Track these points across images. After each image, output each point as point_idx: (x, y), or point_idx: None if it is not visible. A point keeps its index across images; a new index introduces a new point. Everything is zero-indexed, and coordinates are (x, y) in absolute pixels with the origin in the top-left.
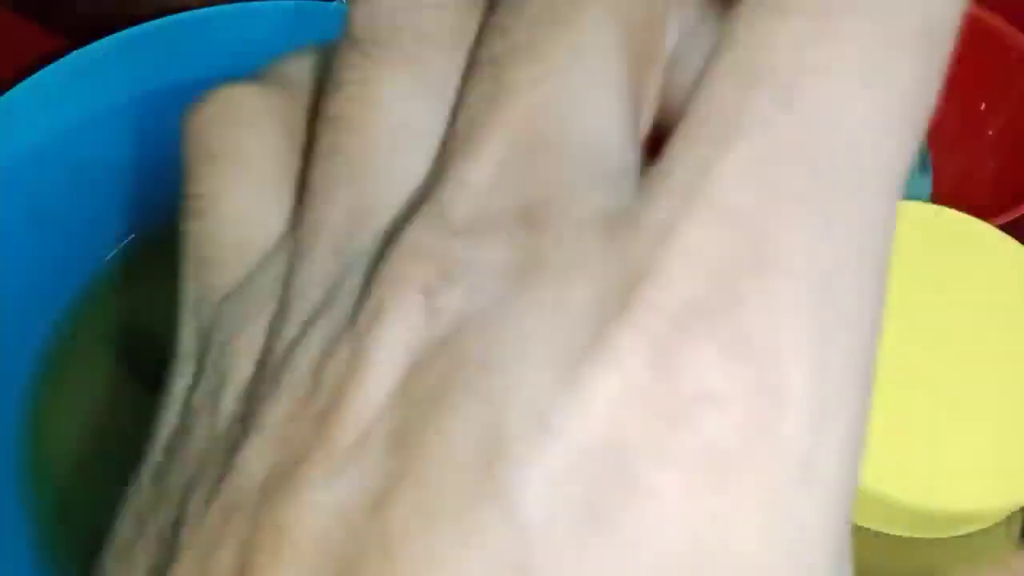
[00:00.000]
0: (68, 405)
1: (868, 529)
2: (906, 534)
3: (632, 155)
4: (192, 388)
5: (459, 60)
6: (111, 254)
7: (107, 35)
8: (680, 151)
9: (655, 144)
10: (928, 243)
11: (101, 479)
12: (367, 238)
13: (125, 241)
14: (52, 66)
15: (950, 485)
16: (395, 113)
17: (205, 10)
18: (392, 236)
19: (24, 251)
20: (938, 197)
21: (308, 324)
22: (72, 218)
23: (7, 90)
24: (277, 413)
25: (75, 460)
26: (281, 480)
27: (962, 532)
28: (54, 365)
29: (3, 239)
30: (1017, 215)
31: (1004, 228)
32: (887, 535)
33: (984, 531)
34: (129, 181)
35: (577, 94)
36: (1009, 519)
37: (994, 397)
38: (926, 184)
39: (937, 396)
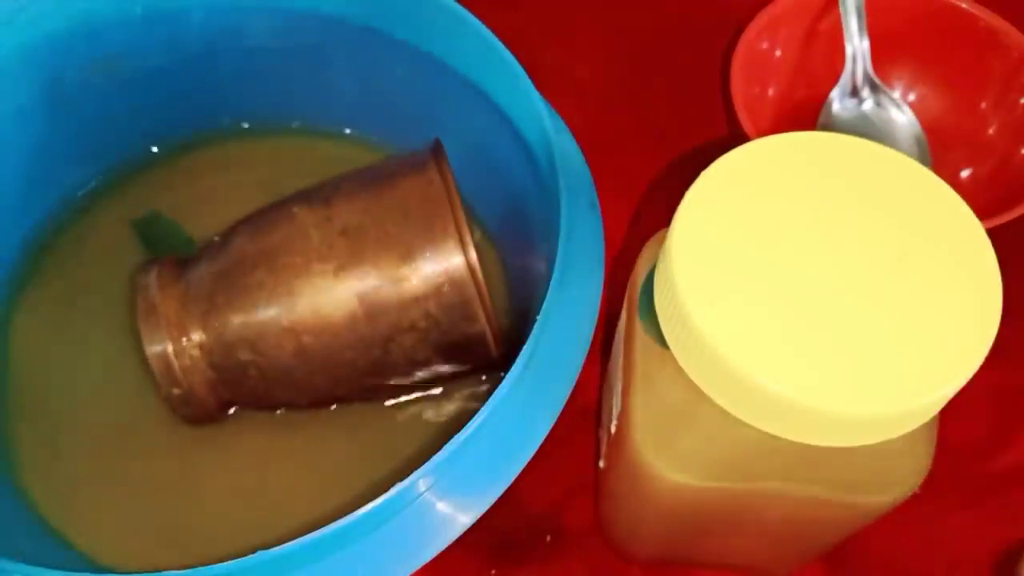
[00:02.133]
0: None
1: (784, 439)
2: (822, 442)
3: None
4: None
5: None
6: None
7: None
8: None
9: None
10: (836, 167)
11: (74, 401)
12: None
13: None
14: None
15: (859, 389)
16: None
17: None
18: None
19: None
20: None
21: None
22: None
23: None
24: None
25: (47, 379)
26: None
27: (880, 439)
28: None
29: None
30: (1017, 215)
31: (1004, 227)
32: (803, 444)
33: (903, 438)
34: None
35: None
36: (926, 427)
37: (903, 305)
38: None
39: (848, 303)
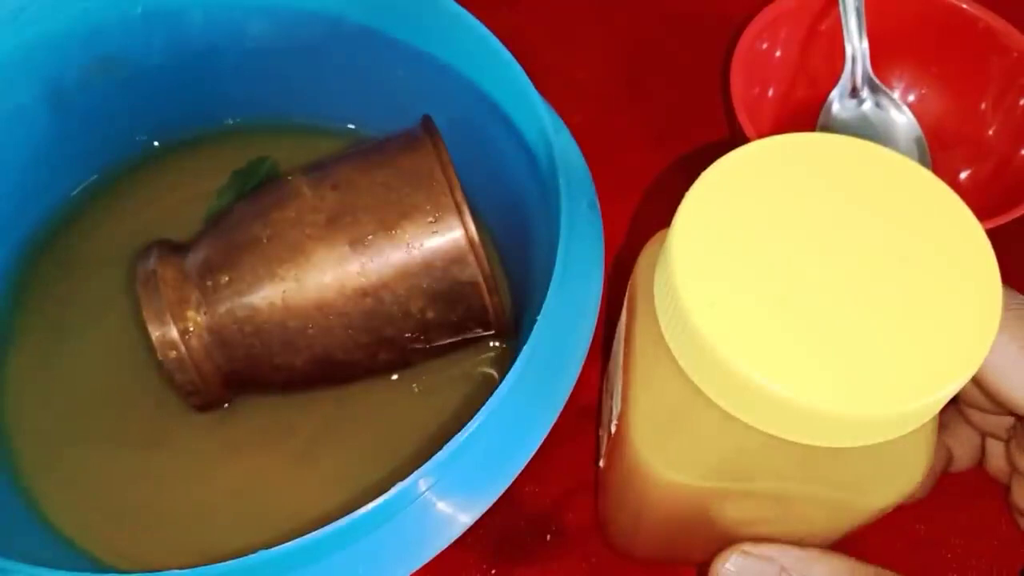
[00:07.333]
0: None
1: (785, 440)
2: (822, 443)
3: None
4: None
5: None
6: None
7: None
8: None
9: None
10: (836, 168)
11: (74, 418)
12: None
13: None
14: None
15: (859, 389)
16: None
17: None
18: None
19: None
20: None
21: None
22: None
23: None
24: None
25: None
26: None
27: (880, 439)
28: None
29: None
30: (1017, 215)
31: (1004, 228)
32: (802, 444)
33: (903, 438)
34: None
35: None
36: (926, 428)
37: (903, 305)
38: None
39: (848, 303)
